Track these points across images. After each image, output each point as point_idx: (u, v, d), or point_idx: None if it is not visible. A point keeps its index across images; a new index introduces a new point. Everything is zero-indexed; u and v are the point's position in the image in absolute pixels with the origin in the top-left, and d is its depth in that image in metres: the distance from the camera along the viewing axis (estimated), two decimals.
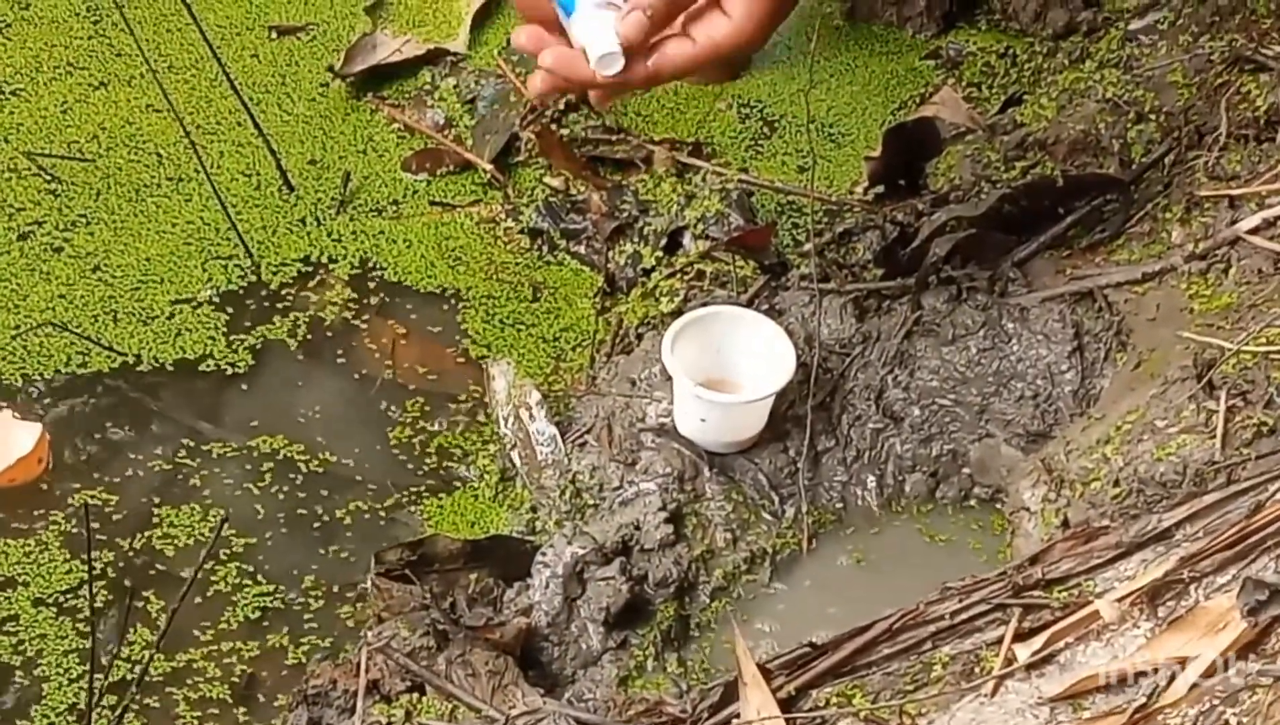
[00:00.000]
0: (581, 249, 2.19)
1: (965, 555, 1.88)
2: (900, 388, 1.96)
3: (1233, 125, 1.98)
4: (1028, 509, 1.81)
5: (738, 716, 1.62)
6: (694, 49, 1.69)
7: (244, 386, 2.08)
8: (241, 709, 1.81)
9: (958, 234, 1.99)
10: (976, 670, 1.60)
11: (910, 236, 2.03)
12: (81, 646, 1.82)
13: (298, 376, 2.09)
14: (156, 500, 1.96)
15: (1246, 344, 1.75)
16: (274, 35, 2.43)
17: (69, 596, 1.88)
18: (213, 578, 1.90)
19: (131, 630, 1.84)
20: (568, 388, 2.06)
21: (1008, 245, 2.01)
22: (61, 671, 1.82)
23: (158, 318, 2.12)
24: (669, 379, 1.91)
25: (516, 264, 2.20)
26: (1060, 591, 1.61)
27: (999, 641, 1.60)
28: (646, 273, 2.13)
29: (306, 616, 1.88)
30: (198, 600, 1.88)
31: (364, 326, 2.13)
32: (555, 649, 1.80)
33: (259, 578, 1.91)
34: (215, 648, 1.85)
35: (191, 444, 2.02)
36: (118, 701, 1.77)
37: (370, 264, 2.19)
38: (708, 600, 1.86)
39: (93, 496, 1.95)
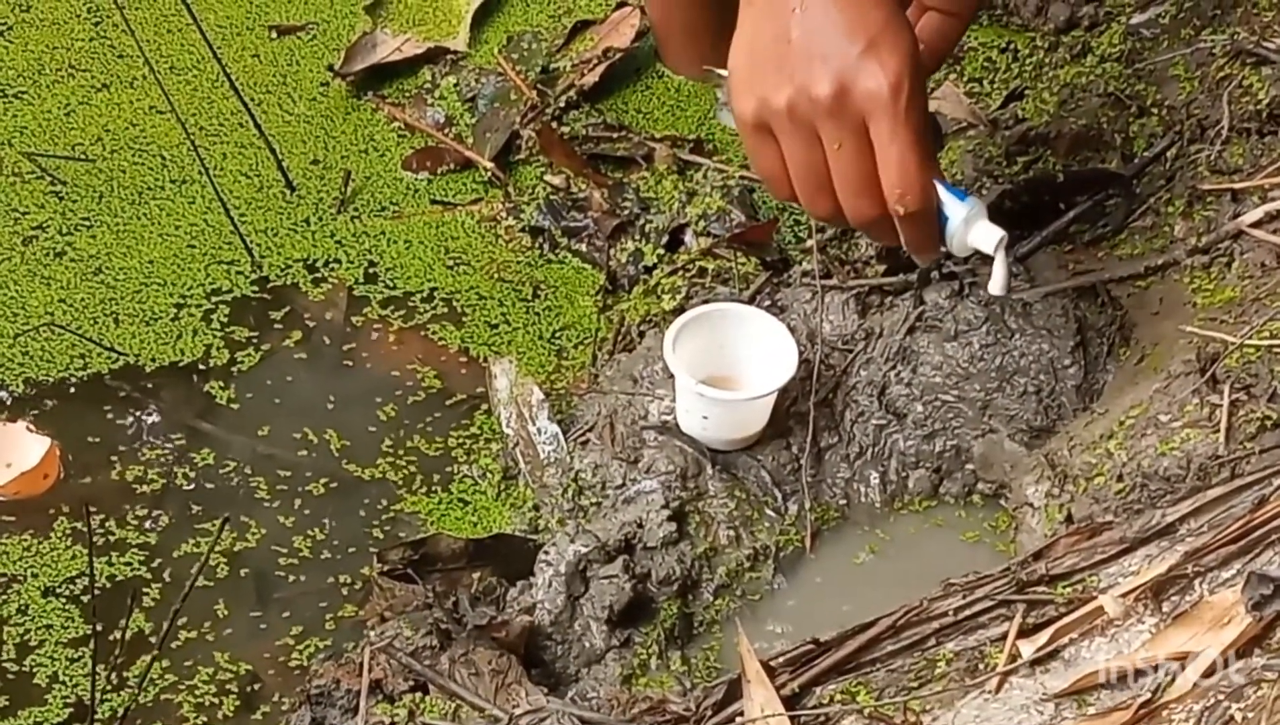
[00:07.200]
0: (583, 247, 2.19)
1: (969, 551, 1.87)
2: (903, 384, 1.95)
3: (1235, 119, 1.98)
4: (1031, 504, 1.81)
5: (741, 714, 1.62)
6: None
7: (245, 387, 2.07)
8: (244, 709, 1.81)
9: None
10: (981, 667, 1.60)
11: None
12: (85, 635, 1.82)
13: (299, 377, 2.09)
14: (157, 501, 1.96)
15: (1250, 337, 1.74)
16: (274, 35, 2.44)
17: (71, 586, 1.88)
18: (215, 578, 1.90)
19: (134, 631, 1.84)
20: (570, 386, 2.05)
21: (1010, 240, 2.00)
22: (65, 666, 1.83)
23: (160, 320, 2.12)
24: (671, 376, 1.90)
25: (518, 262, 2.20)
26: (1064, 587, 1.61)
27: (1003, 638, 1.60)
28: (648, 270, 2.13)
29: (309, 616, 1.88)
30: (200, 600, 1.87)
31: (365, 326, 2.13)
32: (559, 647, 1.80)
33: (261, 578, 1.91)
34: (218, 648, 1.85)
35: (193, 444, 2.01)
36: (121, 703, 1.78)
37: (372, 263, 2.19)
38: (711, 598, 1.85)
39: (94, 498, 1.94)
